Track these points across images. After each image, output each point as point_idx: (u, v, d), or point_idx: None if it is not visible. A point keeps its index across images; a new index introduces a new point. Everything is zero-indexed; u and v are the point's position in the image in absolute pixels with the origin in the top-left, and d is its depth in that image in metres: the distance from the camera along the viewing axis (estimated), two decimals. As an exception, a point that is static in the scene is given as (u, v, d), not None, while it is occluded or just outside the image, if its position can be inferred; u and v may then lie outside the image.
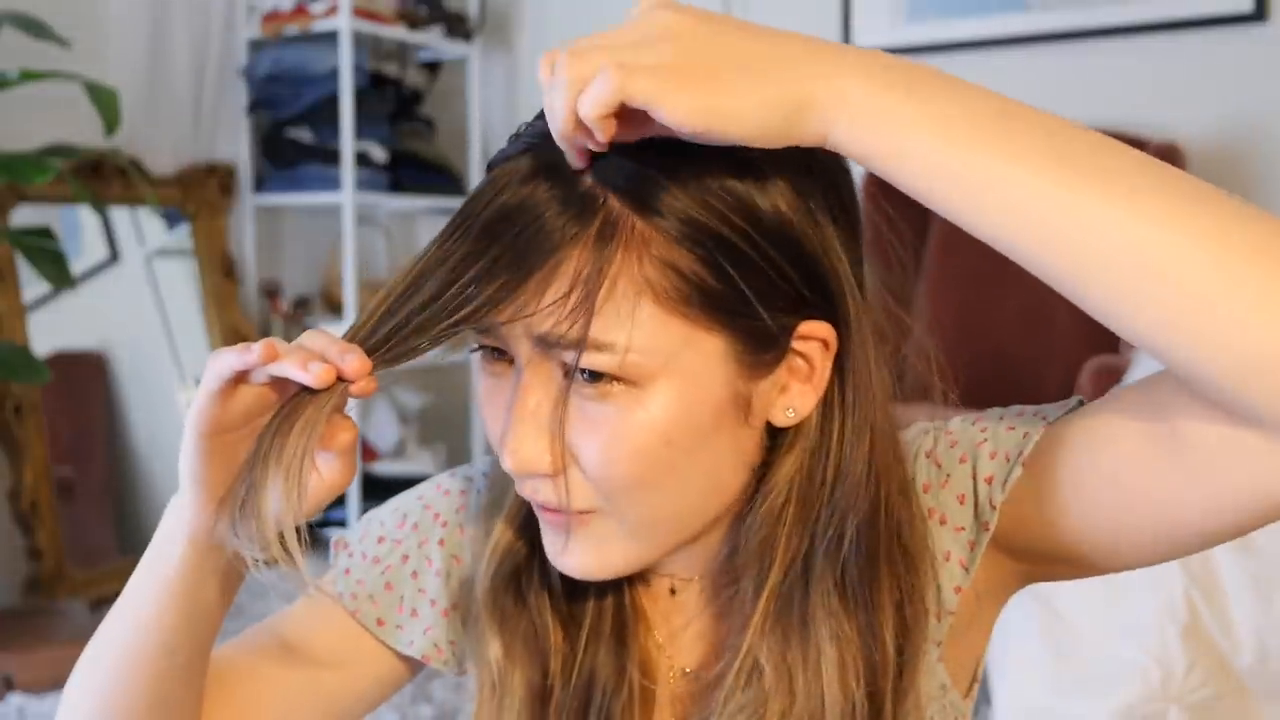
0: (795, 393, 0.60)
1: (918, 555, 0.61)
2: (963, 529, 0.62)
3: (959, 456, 0.62)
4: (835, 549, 0.60)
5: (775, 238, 0.56)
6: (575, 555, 0.60)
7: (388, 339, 0.59)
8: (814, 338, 0.59)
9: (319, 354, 0.57)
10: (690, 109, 0.49)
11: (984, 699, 1.73)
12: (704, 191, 0.54)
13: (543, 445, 0.57)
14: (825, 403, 0.60)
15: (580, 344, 0.54)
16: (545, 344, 0.55)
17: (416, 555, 0.73)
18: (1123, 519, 0.55)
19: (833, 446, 0.60)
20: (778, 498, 0.61)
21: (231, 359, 0.56)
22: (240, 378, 0.57)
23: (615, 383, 0.55)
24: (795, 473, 0.61)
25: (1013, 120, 0.55)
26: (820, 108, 0.50)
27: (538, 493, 0.59)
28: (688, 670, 0.68)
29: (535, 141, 0.58)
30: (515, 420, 0.57)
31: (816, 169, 0.58)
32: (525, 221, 0.54)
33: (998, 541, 0.61)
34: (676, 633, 0.68)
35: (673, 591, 0.69)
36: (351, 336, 0.60)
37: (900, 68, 0.52)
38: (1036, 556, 0.61)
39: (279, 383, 0.58)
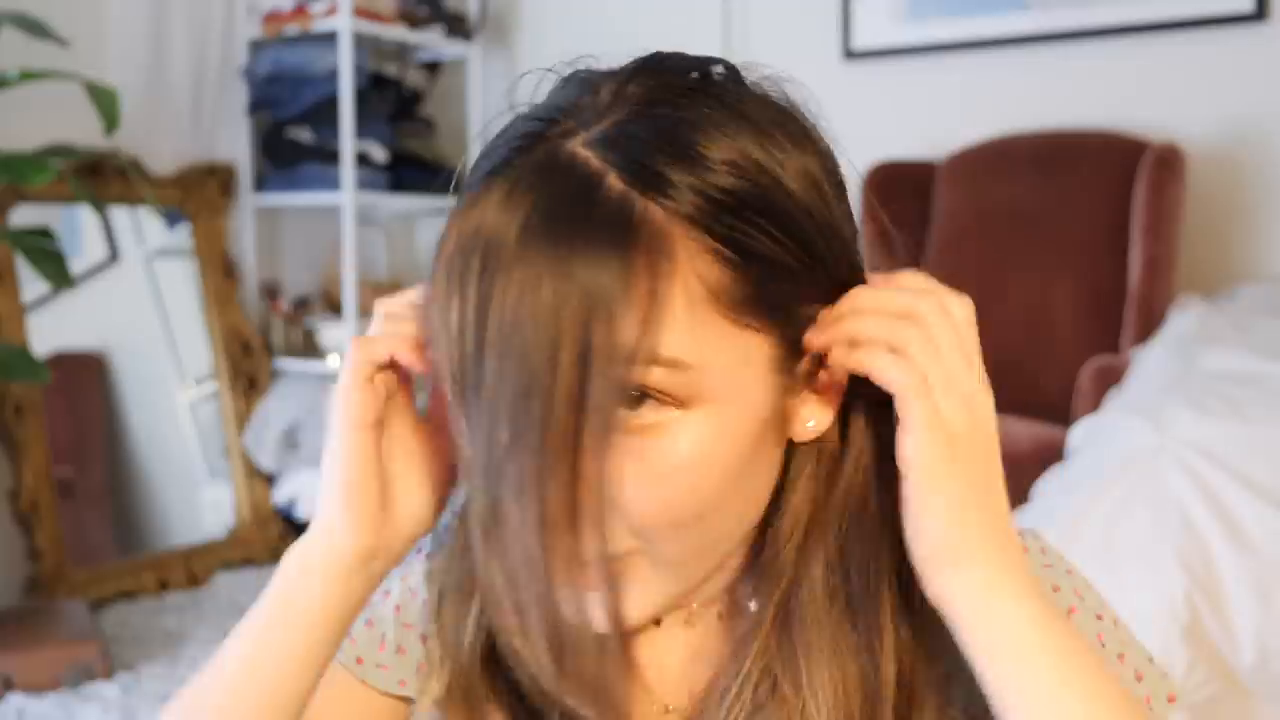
0: (815, 402, 0.57)
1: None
2: None
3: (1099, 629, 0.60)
4: (844, 567, 0.57)
5: (807, 226, 0.54)
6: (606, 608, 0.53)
7: None
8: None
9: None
10: (934, 477, 0.52)
11: (984, 699, 1.72)
12: (741, 181, 0.51)
13: None
14: (841, 412, 0.58)
15: (650, 362, 0.49)
16: None
17: (398, 587, 0.69)
18: None
19: (849, 460, 0.58)
20: (794, 517, 0.58)
21: (380, 346, 0.56)
22: (384, 366, 0.56)
23: (658, 407, 0.51)
24: (813, 490, 0.58)
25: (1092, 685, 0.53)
26: (970, 582, 0.52)
27: None
28: (672, 708, 0.64)
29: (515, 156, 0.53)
30: None
31: (824, 154, 0.57)
32: None
33: None
34: (667, 669, 0.64)
35: (688, 623, 0.64)
36: None
37: (1054, 611, 0.53)
38: None
39: (399, 369, 0.57)
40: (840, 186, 0.58)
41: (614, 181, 0.50)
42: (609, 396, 0.48)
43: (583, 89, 0.55)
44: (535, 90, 0.58)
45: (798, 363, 0.55)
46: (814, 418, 0.57)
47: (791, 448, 0.58)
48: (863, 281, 0.57)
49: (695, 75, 0.55)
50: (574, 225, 0.49)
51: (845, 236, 0.56)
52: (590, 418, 0.48)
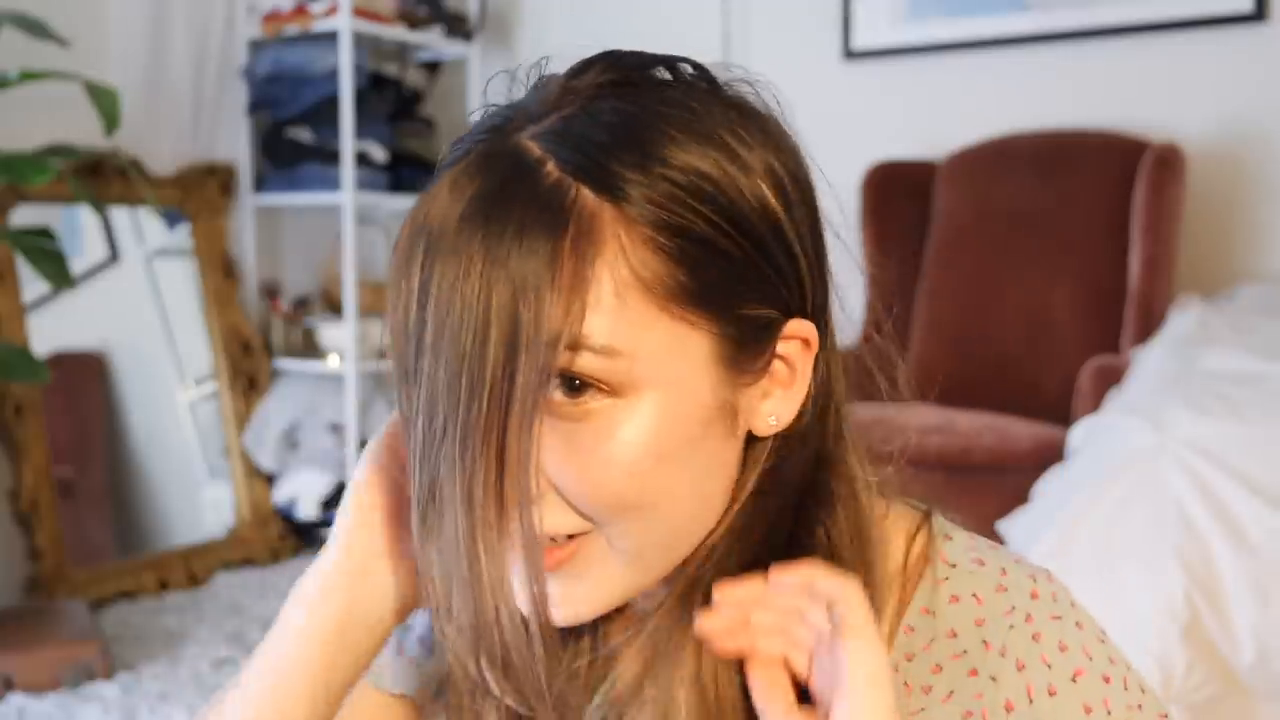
0: (778, 398, 0.57)
1: (882, 585, 0.59)
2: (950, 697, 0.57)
3: (1032, 679, 0.56)
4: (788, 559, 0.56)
5: (758, 225, 0.54)
6: (561, 595, 0.54)
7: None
8: (796, 337, 0.56)
9: None
10: None
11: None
12: (684, 174, 0.52)
13: None
14: (804, 408, 0.58)
15: (575, 347, 0.50)
16: None
17: None
18: None
19: (808, 455, 0.58)
20: (748, 508, 0.58)
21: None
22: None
23: (599, 395, 0.51)
24: (771, 484, 0.58)
25: None
26: None
27: None
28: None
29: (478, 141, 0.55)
30: None
31: (790, 156, 0.57)
32: None
33: None
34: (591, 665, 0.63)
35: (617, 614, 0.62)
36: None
37: None
38: None
39: None
40: (806, 190, 0.57)
41: (551, 169, 0.51)
42: (534, 379, 0.49)
43: (536, 87, 0.57)
44: (509, 93, 0.59)
45: (748, 356, 0.55)
46: (775, 413, 0.57)
47: (750, 442, 0.58)
48: (825, 287, 0.58)
49: (650, 72, 0.56)
50: (506, 210, 0.50)
51: (804, 239, 0.56)
52: (516, 400, 0.49)
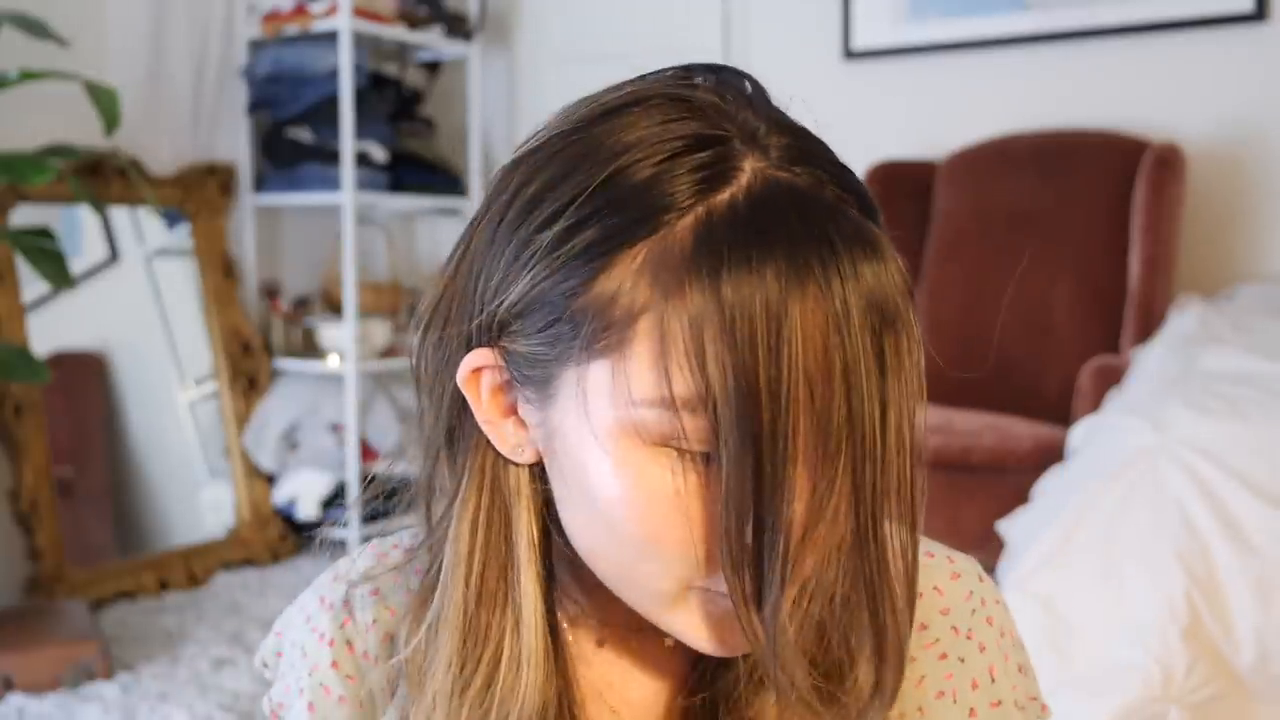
0: None
1: None
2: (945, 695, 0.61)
3: (992, 659, 0.62)
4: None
5: None
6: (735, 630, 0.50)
7: None
8: None
9: None
10: None
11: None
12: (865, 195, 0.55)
13: None
14: None
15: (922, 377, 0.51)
16: None
17: (310, 685, 0.64)
18: None
19: None
20: None
21: None
22: None
23: None
24: None
25: None
26: None
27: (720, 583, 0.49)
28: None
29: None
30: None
31: None
32: None
33: None
34: (626, 677, 0.62)
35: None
36: None
37: None
38: None
39: None
40: None
41: (829, 194, 0.50)
42: (909, 415, 0.48)
43: (692, 111, 0.50)
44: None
45: None
46: None
47: None
48: None
49: (762, 87, 0.55)
50: (845, 243, 0.48)
51: None
52: (898, 438, 0.48)
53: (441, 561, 0.56)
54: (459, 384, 0.53)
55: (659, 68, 0.55)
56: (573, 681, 0.58)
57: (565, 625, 0.59)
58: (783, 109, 0.53)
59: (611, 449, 0.48)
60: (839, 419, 0.46)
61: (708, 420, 0.45)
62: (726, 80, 0.52)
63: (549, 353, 0.49)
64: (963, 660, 0.61)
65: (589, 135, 0.50)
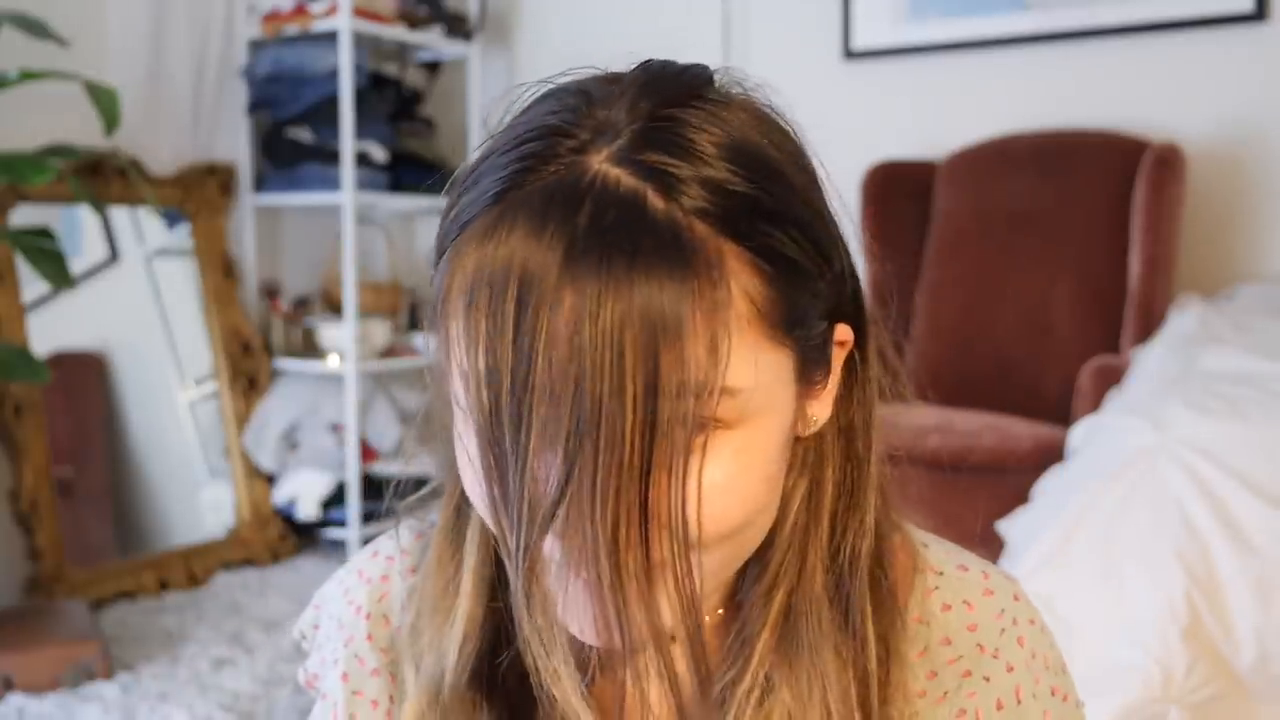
0: (820, 399, 0.57)
1: (893, 590, 0.59)
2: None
3: (1019, 680, 0.61)
4: (836, 565, 0.58)
5: (825, 239, 0.53)
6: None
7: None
8: (841, 341, 0.57)
9: None
10: None
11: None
12: (776, 194, 0.51)
13: None
14: (837, 408, 0.58)
15: (719, 392, 0.47)
16: None
17: (345, 656, 0.65)
18: None
19: (845, 452, 0.59)
20: (795, 516, 0.57)
21: None
22: None
23: (718, 430, 0.49)
24: (811, 485, 0.58)
25: None
26: None
27: None
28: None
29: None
30: None
31: (812, 163, 0.57)
32: None
33: None
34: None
35: None
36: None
37: None
38: None
39: None
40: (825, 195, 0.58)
41: (654, 199, 0.47)
42: (682, 428, 0.47)
43: (577, 102, 0.51)
44: (498, 116, 0.55)
45: (817, 370, 0.55)
46: (817, 413, 0.57)
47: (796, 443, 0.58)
48: (858, 289, 0.57)
49: (696, 82, 0.54)
50: (624, 246, 0.46)
51: (843, 241, 0.56)
52: (659, 448, 0.47)
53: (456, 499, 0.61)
54: None
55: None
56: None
57: None
58: (720, 108, 0.52)
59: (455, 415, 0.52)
60: (580, 417, 0.46)
61: (471, 395, 0.48)
62: (653, 73, 0.53)
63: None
64: (988, 680, 0.60)
65: (527, 119, 0.52)
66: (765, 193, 0.50)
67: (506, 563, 0.50)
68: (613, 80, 0.53)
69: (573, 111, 0.50)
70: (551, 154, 0.49)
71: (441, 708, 0.59)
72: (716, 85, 0.55)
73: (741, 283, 0.49)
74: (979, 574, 0.62)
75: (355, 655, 0.65)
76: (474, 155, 0.53)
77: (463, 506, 0.60)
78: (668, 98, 0.51)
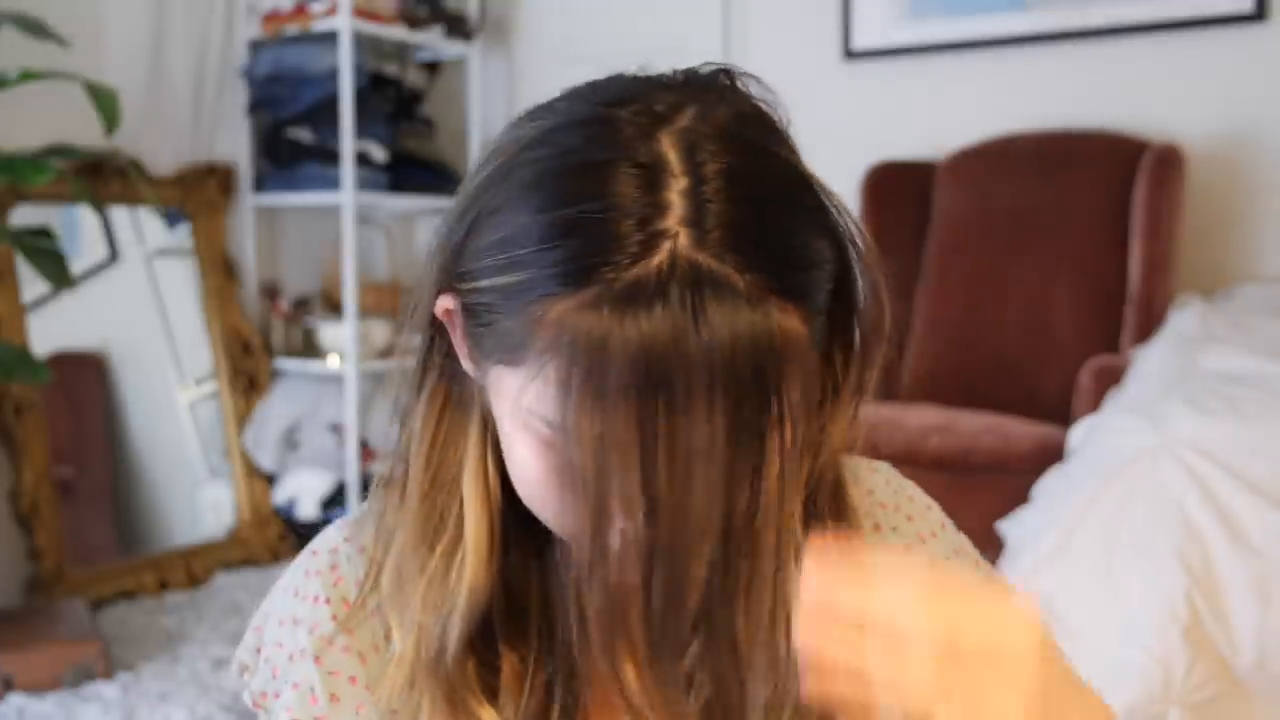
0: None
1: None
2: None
3: (920, 529, 0.71)
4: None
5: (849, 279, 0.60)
6: None
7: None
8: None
9: None
10: None
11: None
12: (824, 261, 0.56)
13: None
14: None
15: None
16: None
17: (313, 642, 0.66)
18: None
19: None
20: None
21: None
22: None
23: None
24: None
25: None
26: None
27: None
28: None
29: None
30: None
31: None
32: None
33: None
34: None
35: None
36: None
37: None
38: None
39: None
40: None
41: (748, 287, 0.52)
42: (794, 509, 0.57)
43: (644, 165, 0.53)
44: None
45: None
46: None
47: None
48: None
49: (755, 126, 0.57)
50: (737, 346, 0.51)
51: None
52: (785, 534, 0.56)
53: (409, 449, 0.63)
54: (436, 313, 0.60)
55: (661, 72, 0.58)
56: (536, 590, 0.64)
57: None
58: (756, 148, 0.55)
59: (515, 429, 0.57)
60: (650, 498, 0.51)
61: (572, 449, 0.52)
62: (702, 125, 0.54)
63: (483, 341, 0.57)
64: (895, 529, 0.70)
65: (571, 165, 0.53)
66: (827, 268, 0.56)
67: (575, 550, 0.55)
68: (659, 140, 0.54)
69: (654, 190, 0.52)
70: (649, 244, 0.51)
71: (444, 676, 0.61)
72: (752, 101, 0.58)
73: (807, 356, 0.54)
74: (904, 498, 0.72)
75: (323, 637, 0.65)
76: (506, 178, 0.55)
77: (441, 476, 0.63)
78: (735, 156, 0.54)
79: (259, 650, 0.69)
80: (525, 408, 0.54)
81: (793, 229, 0.54)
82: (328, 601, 0.66)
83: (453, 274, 0.58)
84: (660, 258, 0.51)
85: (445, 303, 0.59)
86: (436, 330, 0.62)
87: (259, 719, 0.68)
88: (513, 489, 0.60)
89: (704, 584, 0.53)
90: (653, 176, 0.52)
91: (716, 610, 0.54)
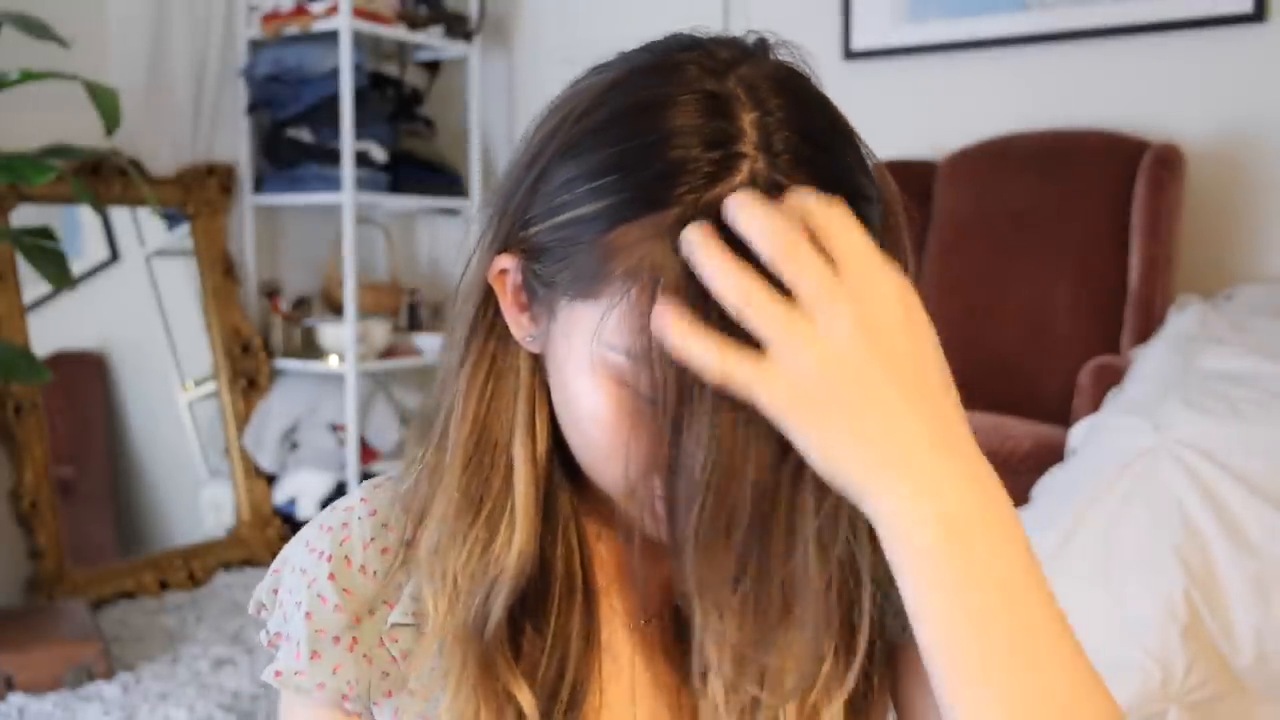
0: None
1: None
2: None
3: None
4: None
5: None
6: None
7: None
8: None
9: None
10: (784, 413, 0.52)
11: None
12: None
13: None
14: None
15: None
16: None
17: (308, 597, 0.67)
18: None
19: None
20: None
21: None
22: None
23: None
24: None
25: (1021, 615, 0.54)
26: (885, 514, 0.53)
27: None
28: (643, 622, 0.68)
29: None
30: None
31: None
32: None
33: None
34: (627, 588, 0.69)
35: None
36: None
37: (981, 522, 0.54)
38: None
39: None
40: None
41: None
42: None
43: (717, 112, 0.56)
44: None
45: None
46: None
47: None
48: None
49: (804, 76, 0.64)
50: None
51: None
52: None
53: (450, 416, 0.64)
54: (488, 278, 0.61)
55: (708, 35, 0.64)
56: (577, 554, 0.65)
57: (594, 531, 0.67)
58: (808, 94, 0.61)
59: (586, 371, 0.57)
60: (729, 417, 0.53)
61: (651, 375, 0.53)
62: (758, 71, 0.60)
63: (556, 279, 0.57)
64: None
65: (644, 100, 0.57)
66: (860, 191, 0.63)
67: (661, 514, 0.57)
68: (726, 78, 0.58)
69: (723, 118, 0.56)
70: (726, 163, 0.54)
71: (482, 644, 0.61)
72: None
73: None
74: None
75: (318, 595, 0.66)
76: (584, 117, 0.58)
77: (485, 441, 0.63)
78: (795, 93, 0.60)
79: (275, 591, 0.70)
80: (604, 341, 0.55)
81: (850, 165, 0.60)
82: (330, 559, 0.66)
83: (517, 225, 0.59)
84: (741, 177, 0.53)
85: (502, 263, 0.60)
86: (486, 295, 0.63)
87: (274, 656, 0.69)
88: (557, 457, 0.62)
89: (763, 492, 0.54)
90: (724, 105, 0.55)
91: (768, 516, 0.54)
